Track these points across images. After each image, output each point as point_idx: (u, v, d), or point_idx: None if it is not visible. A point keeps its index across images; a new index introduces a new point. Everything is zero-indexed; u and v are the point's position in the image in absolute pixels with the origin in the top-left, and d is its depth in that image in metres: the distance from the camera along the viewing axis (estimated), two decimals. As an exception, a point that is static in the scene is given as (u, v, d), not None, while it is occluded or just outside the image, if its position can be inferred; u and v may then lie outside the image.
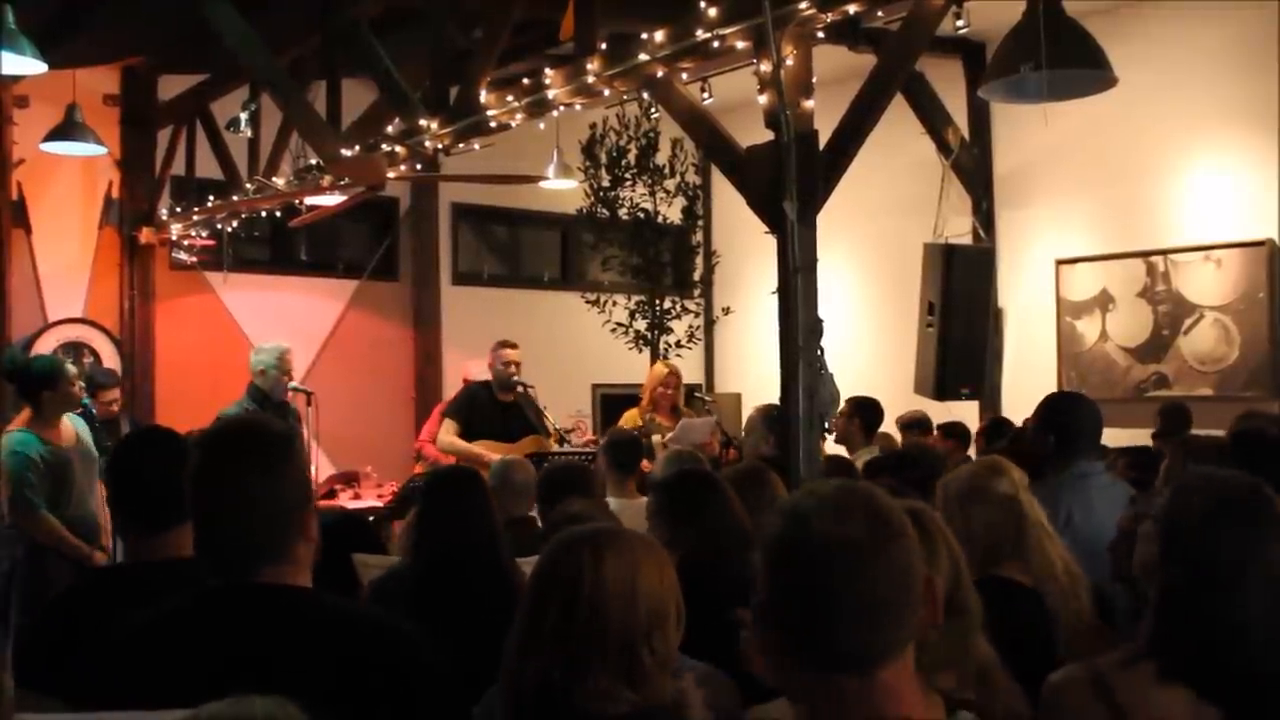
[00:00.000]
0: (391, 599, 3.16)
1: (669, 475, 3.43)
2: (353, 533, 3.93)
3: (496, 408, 6.93)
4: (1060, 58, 5.35)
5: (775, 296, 5.16)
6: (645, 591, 1.93)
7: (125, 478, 2.75)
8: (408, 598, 3.06)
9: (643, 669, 1.89)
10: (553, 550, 2.01)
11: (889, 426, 7.55)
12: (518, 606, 2.02)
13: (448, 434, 6.82)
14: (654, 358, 9.12)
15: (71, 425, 5.98)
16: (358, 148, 7.16)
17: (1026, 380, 8.19)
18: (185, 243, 9.61)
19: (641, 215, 9.57)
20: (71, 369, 6.08)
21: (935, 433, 7.32)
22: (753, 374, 9.79)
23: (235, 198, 8.75)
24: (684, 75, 5.69)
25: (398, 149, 7.08)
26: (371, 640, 2.06)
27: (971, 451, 7.16)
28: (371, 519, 6.60)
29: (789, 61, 4.99)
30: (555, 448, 6.71)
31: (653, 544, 2.07)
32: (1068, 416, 4.03)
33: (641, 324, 9.50)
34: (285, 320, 9.56)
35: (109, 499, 2.78)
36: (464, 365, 8.61)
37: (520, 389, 6.96)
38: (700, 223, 10.80)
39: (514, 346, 6.99)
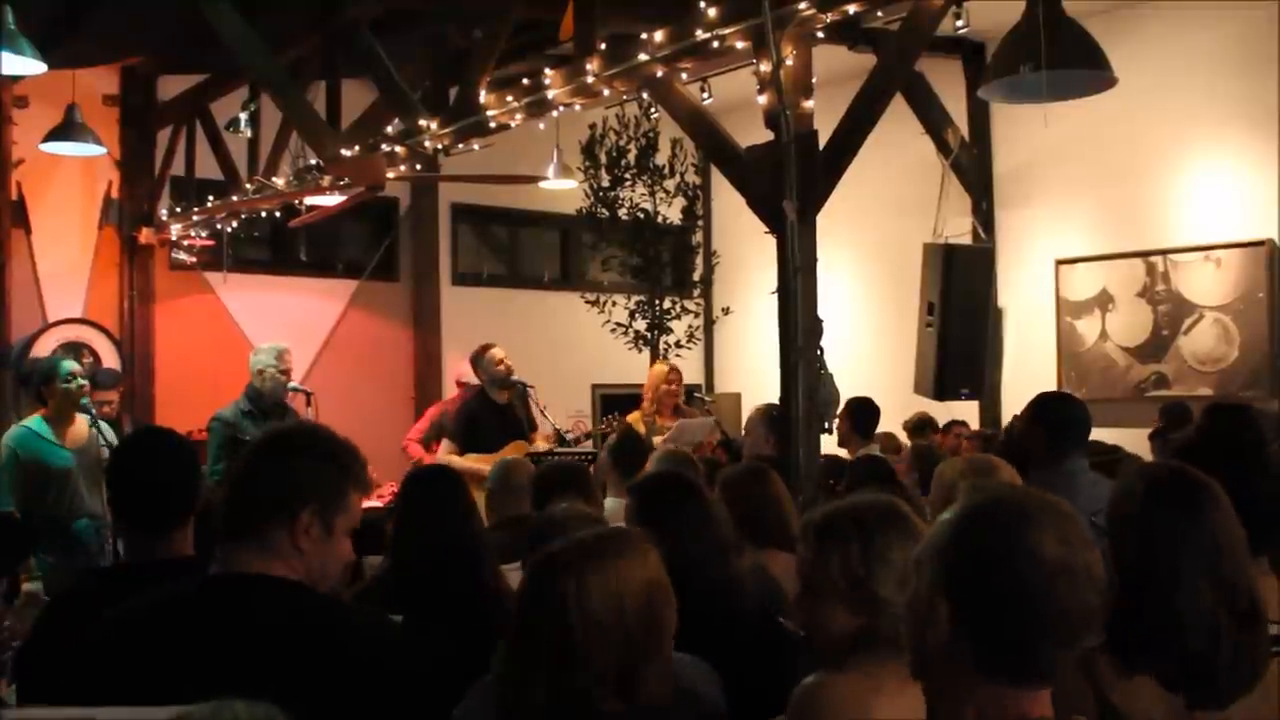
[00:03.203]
0: (373, 601, 3.16)
1: (644, 479, 3.39)
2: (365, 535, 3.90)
3: (494, 411, 6.91)
4: (1060, 58, 5.35)
5: (775, 296, 5.16)
6: (634, 604, 1.89)
7: (124, 479, 2.75)
8: (389, 597, 3.06)
9: (641, 677, 1.88)
10: (534, 578, 1.96)
11: (895, 428, 7.57)
12: (506, 632, 1.98)
13: (445, 454, 6.81)
14: (654, 358, 9.11)
15: (84, 427, 6.03)
16: (357, 148, 7.16)
17: (1026, 380, 8.18)
18: (185, 243, 9.60)
19: (641, 215, 9.57)
20: (70, 365, 6.12)
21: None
22: (753, 374, 9.78)
23: (235, 198, 8.75)
24: (684, 75, 5.69)
25: (398, 149, 7.08)
26: (351, 636, 2.07)
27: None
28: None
29: (789, 61, 4.99)
30: (543, 447, 6.68)
31: (632, 542, 2.02)
32: (1058, 415, 4.05)
33: (641, 324, 9.50)
34: (285, 320, 9.55)
35: (109, 500, 2.78)
36: (456, 369, 8.59)
37: (517, 387, 6.95)
38: (700, 223, 10.80)
39: (495, 346, 6.99)
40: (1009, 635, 1.50)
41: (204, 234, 9.50)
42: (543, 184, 8.87)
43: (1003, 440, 5.95)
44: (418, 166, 7.36)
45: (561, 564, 1.93)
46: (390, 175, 7.24)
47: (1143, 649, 1.99)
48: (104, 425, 6.18)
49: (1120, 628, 2.01)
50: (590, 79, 5.81)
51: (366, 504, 7.66)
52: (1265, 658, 2.03)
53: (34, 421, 6.05)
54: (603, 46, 5.79)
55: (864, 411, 6.62)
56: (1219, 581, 2.00)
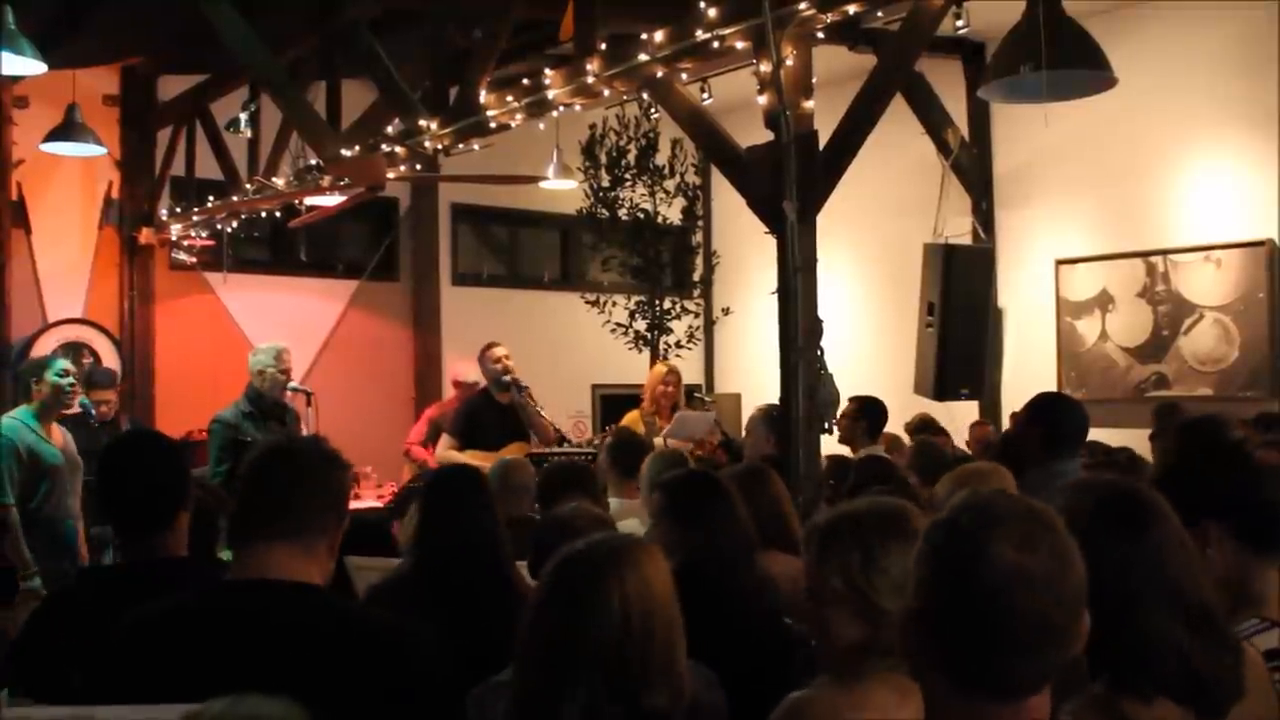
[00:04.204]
0: (395, 600, 3.15)
1: (674, 476, 3.41)
2: (365, 534, 3.90)
3: (496, 412, 6.90)
4: (1060, 58, 5.35)
5: (775, 296, 5.16)
6: (668, 600, 1.90)
7: (113, 481, 2.77)
8: (409, 598, 3.06)
9: (677, 675, 1.88)
10: (567, 580, 1.92)
11: (895, 429, 7.57)
12: (522, 629, 1.98)
13: (444, 449, 6.81)
14: (654, 358, 9.12)
15: (59, 429, 6.03)
16: (358, 148, 7.16)
17: (1026, 380, 8.18)
18: (185, 243, 9.61)
19: (641, 215, 9.57)
20: (64, 363, 6.12)
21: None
22: (753, 374, 9.79)
23: (235, 198, 8.75)
24: (684, 75, 5.69)
25: (398, 149, 7.08)
26: (375, 640, 2.08)
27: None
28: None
29: (789, 62, 4.99)
30: (542, 448, 6.68)
31: (646, 544, 2.03)
32: (1054, 417, 4.06)
33: (641, 324, 9.50)
34: (285, 320, 9.55)
35: (99, 503, 2.80)
36: (452, 368, 8.59)
37: (516, 390, 6.94)
38: (700, 223, 10.81)
39: (498, 345, 6.99)
40: (970, 643, 1.47)
41: (204, 234, 9.50)
42: (543, 184, 8.87)
43: (1000, 442, 5.95)
44: (418, 166, 7.35)
45: (600, 563, 1.91)
46: (390, 175, 7.24)
47: (1138, 672, 1.96)
48: (61, 428, 6.15)
49: (1110, 656, 1.96)
50: (590, 79, 5.81)
51: (367, 504, 7.62)
52: (1240, 669, 2.00)
53: (22, 413, 5.95)
54: (603, 46, 5.79)
55: (876, 412, 6.62)
56: (1174, 600, 1.92)
